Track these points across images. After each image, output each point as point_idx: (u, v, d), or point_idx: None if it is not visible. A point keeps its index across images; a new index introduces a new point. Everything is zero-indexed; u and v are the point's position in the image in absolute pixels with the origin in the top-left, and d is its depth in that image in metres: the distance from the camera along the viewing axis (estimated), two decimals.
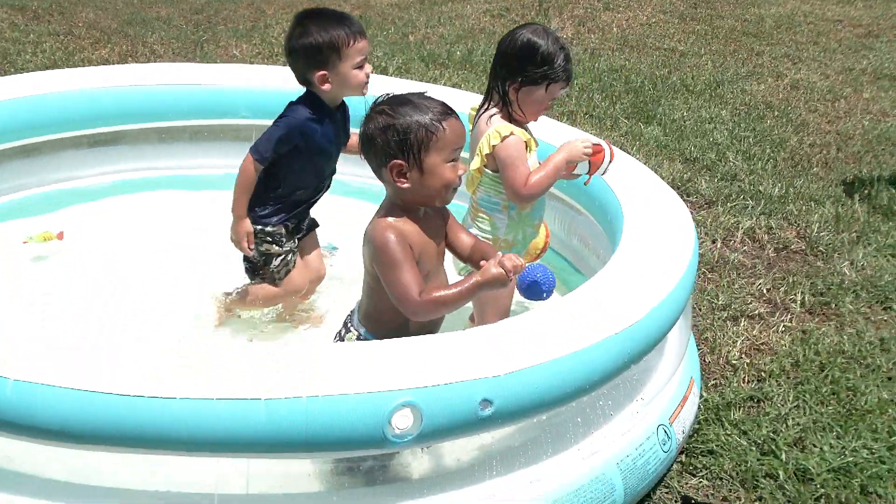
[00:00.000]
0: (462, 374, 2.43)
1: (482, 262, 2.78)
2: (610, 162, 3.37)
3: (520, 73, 3.31)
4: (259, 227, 3.66)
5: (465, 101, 3.85)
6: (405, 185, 2.73)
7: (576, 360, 2.59)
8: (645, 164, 5.77)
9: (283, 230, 3.71)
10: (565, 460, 2.77)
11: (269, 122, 3.57)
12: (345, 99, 3.64)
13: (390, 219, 2.77)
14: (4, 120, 4.54)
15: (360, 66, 3.49)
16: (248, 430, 2.31)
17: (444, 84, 6.96)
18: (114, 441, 2.35)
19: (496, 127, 3.30)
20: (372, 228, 2.78)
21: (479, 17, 9.62)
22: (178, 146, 5.05)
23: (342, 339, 2.98)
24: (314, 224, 3.92)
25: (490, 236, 3.44)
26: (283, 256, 3.74)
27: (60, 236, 4.35)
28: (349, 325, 2.99)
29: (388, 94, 2.80)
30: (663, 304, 2.92)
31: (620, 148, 5.98)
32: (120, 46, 7.65)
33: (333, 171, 3.77)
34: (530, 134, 3.43)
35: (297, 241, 3.80)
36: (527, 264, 3.64)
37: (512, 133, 3.29)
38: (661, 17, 10.27)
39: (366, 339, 2.89)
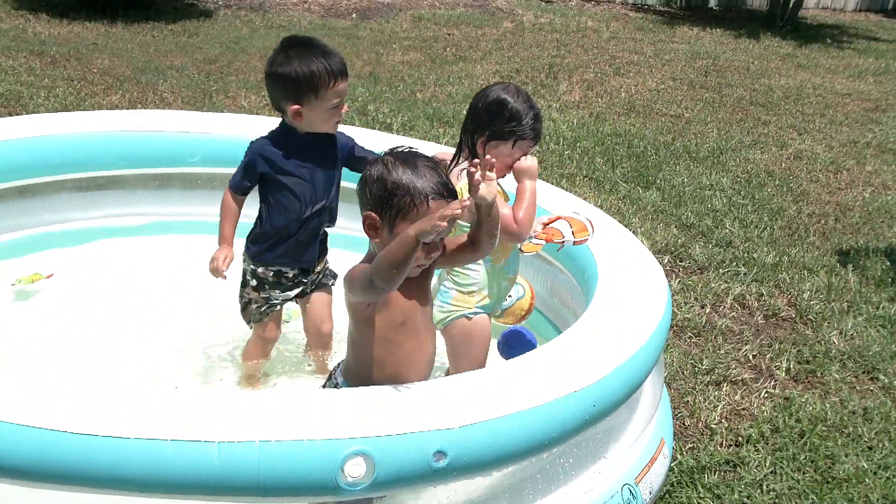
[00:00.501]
0: (417, 425, 2.41)
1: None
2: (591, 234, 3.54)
3: (488, 127, 3.36)
4: (252, 266, 3.66)
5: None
6: (374, 239, 2.69)
7: (536, 414, 2.57)
8: (640, 228, 5.82)
9: (275, 277, 3.67)
10: None
11: None
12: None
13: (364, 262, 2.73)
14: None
15: (337, 108, 3.49)
16: (201, 474, 2.31)
17: (446, 143, 7.02)
18: (70, 480, 2.35)
19: (461, 185, 3.33)
20: (348, 271, 2.73)
21: (489, 78, 9.72)
22: (172, 193, 5.10)
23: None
24: (328, 279, 3.85)
25: (465, 290, 3.45)
26: (259, 305, 3.72)
27: (49, 277, 4.39)
28: (333, 374, 2.99)
29: (407, 148, 2.77)
30: (631, 360, 2.91)
31: (617, 212, 6.04)
32: (131, 93, 7.77)
33: (329, 203, 3.67)
34: (501, 188, 3.46)
35: (296, 291, 3.74)
36: (510, 326, 3.66)
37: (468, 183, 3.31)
38: (671, 83, 10.36)
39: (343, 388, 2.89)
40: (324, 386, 2.98)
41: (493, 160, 2.66)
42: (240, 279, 3.73)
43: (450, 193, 2.65)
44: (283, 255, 3.64)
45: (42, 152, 4.70)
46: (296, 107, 3.45)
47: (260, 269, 3.66)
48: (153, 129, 4.97)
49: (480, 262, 3.43)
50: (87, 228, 4.90)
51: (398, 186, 2.61)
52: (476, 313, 3.46)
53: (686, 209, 6.34)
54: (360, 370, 2.79)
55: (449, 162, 3.50)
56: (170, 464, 2.30)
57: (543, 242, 3.51)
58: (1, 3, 10.59)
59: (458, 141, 3.54)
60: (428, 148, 4.35)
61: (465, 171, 3.26)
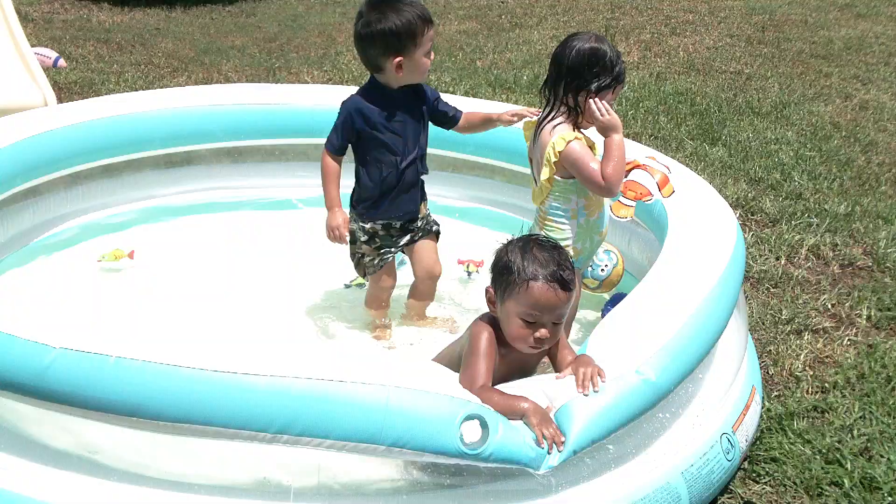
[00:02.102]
0: None
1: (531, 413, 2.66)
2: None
3: (593, 80, 3.39)
4: (361, 224, 3.80)
5: None
6: (492, 312, 2.93)
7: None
8: (710, 183, 5.81)
9: (384, 229, 3.82)
10: (631, 471, 2.81)
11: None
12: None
13: (490, 321, 2.92)
14: (86, 140, 4.73)
15: (429, 54, 3.63)
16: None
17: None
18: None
19: (560, 134, 3.41)
20: (476, 319, 2.98)
21: (546, 43, 9.72)
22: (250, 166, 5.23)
23: None
24: (432, 225, 3.99)
25: (562, 242, 3.51)
26: (372, 258, 3.86)
27: (132, 255, 4.53)
28: None
29: (537, 235, 3.10)
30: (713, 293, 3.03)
31: (686, 167, 6.04)
32: (196, 74, 7.91)
33: (421, 152, 3.80)
34: (591, 140, 3.53)
35: (405, 239, 3.89)
36: (612, 294, 3.73)
37: (575, 137, 3.39)
38: (728, 40, 10.27)
39: None
40: None
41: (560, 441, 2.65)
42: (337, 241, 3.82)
43: (554, 279, 2.79)
44: (388, 208, 3.79)
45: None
46: (398, 59, 3.57)
47: (369, 225, 3.79)
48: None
49: (574, 215, 3.50)
50: (168, 205, 5.05)
51: (507, 268, 2.84)
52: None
53: (753, 164, 6.32)
54: None
55: (537, 121, 3.55)
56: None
57: (633, 204, 3.55)
58: None
59: (544, 98, 3.56)
60: (500, 107, 4.43)
61: (558, 133, 3.36)
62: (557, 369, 2.93)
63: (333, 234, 3.72)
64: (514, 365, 2.94)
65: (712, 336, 3.10)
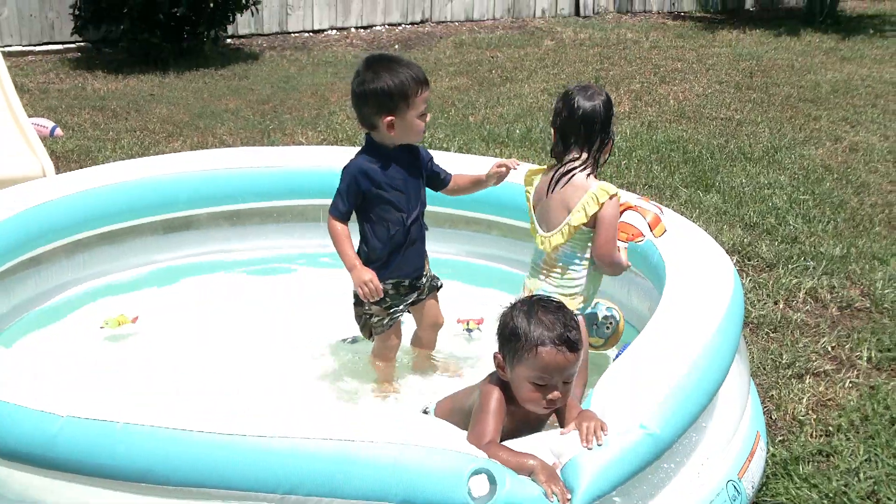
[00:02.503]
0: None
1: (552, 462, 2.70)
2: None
3: (608, 131, 3.57)
4: None
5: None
6: (502, 374, 2.94)
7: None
8: (705, 230, 5.85)
9: (394, 288, 3.86)
10: None
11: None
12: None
13: (501, 383, 2.94)
14: (85, 209, 4.77)
15: (423, 115, 3.70)
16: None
17: None
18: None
19: (602, 185, 3.52)
20: (486, 380, 3.01)
21: (537, 96, 9.83)
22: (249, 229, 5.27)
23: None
24: (436, 281, 4.06)
25: (568, 294, 3.56)
26: (381, 318, 3.90)
27: (135, 320, 4.53)
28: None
29: (545, 296, 3.13)
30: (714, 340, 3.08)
31: (680, 217, 6.09)
32: (191, 139, 7.98)
33: (422, 208, 3.88)
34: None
35: (413, 297, 3.95)
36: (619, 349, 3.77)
37: (615, 195, 3.49)
38: (717, 87, 10.39)
39: None
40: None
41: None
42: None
43: (562, 342, 2.82)
44: (398, 266, 3.84)
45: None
46: (390, 118, 3.64)
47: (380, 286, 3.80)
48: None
49: (585, 264, 3.56)
50: (169, 270, 5.08)
51: (515, 332, 2.86)
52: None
53: (748, 209, 6.38)
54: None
55: (554, 168, 3.62)
56: None
57: (626, 245, 3.61)
58: (59, 65, 10.90)
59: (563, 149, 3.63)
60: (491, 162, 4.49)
61: (599, 184, 3.48)
62: (562, 425, 2.94)
63: (367, 289, 3.71)
64: (523, 421, 2.96)
65: (714, 384, 3.12)
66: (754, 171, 7.29)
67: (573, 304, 3.56)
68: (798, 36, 13.59)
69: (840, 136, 8.42)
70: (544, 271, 3.63)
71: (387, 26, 13.69)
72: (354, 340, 4.32)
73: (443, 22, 14.14)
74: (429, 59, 11.72)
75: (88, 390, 2.85)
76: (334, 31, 13.30)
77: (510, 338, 2.88)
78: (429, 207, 3.96)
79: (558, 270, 3.59)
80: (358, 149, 3.87)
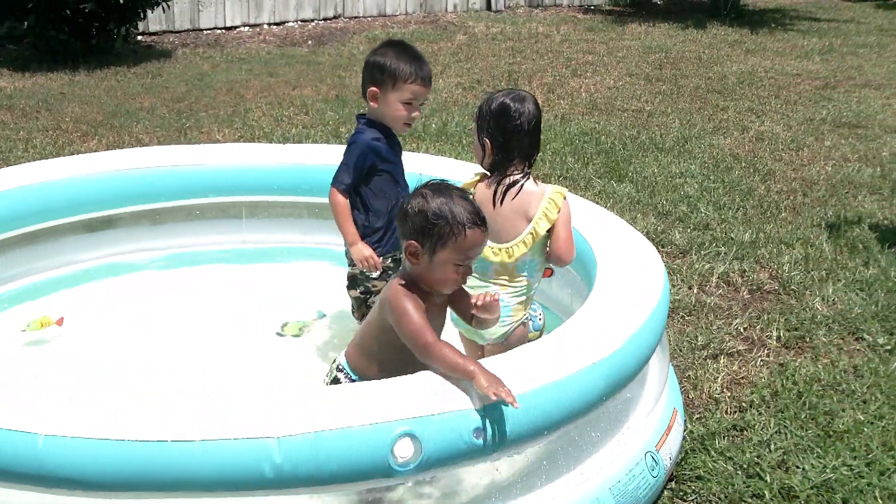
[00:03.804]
0: (457, 405, 2.63)
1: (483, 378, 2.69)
2: None
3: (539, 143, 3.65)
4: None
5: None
6: (414, 265, 2.97)
7: (563, 386, 2.80)
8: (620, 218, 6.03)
9: (394, 262, 3.94)
10: (560, 487, 2.94)
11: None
12: None
13: (402, 283, 2.98)
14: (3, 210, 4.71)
15: (408, 105, 3.80)
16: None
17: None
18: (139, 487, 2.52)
19: (555, 189, 3.57)
20: (388, 287, 3.02)
21: (452, 91, 9.94)
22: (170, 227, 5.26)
23: (334, 382, 3.17)
24: None
25: (524, 299, 3.65)
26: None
27: (60, 322, 4.43)
28: (337, 369, 3.21)
29: (439, 180, 3.05)
30: (640, 331, 3.16)
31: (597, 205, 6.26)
32: (107, 138, 7.89)
33: (408, 185, 3.96)
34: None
35: None
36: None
37: (566, 194, 3.58)
38: (628, 79, 10.63)
39: (352, 380, 3.11)
40: (329, 382, 3.21)
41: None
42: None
43: (482, 221, 2.94)
44: (395, 242, 3.89)
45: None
46: (373, 89, 3.79)
47: (380, 261, 3.89)
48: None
49: (541, 267, 3.66)
50: (93, 269, 5.02)
51: (438, 216, 2.90)
52: (527, 318, 3.70)
53: (661, 198, 6.57)
54: (371, 371, 3.06)
55: (494, 179, 3.62)
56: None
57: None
58: None
59: (503, 158, 3.61)
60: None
61: (554, 187, 3.54)
62: (462, 309, 3.14)
63: (368, 263, 3.83)
64: (435, 313, 3.05)
65: (648, 351, 3.28)
66: (666, 161, 7.50)
67: (526, 309, 3.66)
68: (704, 29, 13.97)
69: (747, 126, 8.71)
70: (502, 279, 3.61)
71: (299, 22, 13.68)
72: (283, 333, 4.36)
73: (355, 17, 14.18)
74: (342, 55, 11.75)
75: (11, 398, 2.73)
76: (247, 28, 13.25)
77: (432, 222, 2.90)
78: None
79: (520, 279, 3.60)
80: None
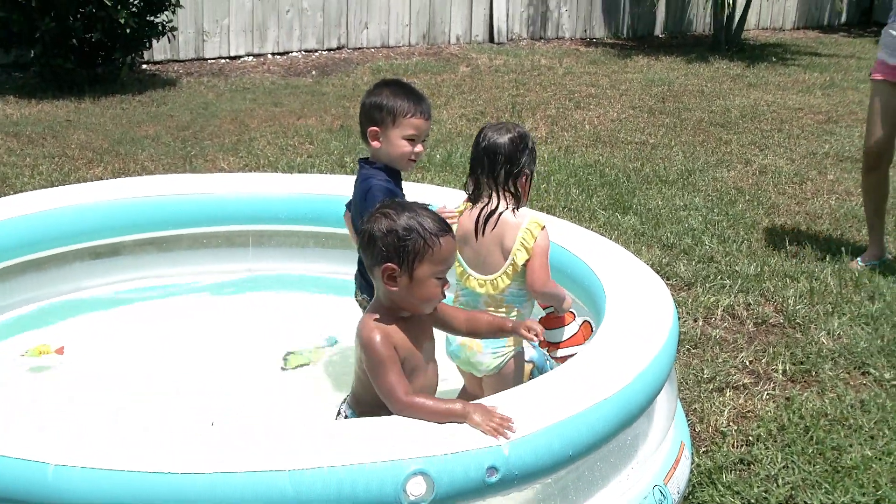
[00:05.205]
0: (470, 443, 2.61)
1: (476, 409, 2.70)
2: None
3: (526, 165, 3.57)
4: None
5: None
6: (393, 289, 2.85)
7: (575, 423, 2.79)
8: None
9: None
10: None
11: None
12: None
13: (376, 317, 2.88)
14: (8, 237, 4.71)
15: (411, 140, 3.72)
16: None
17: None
18: None
19: (535, 218, 3.54)
20: (360, 325, 2.90)
21: (456, 122, 9.98)
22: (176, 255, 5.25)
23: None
24: None
25: None
26: None
27: (60, 351, 4.39)
28: (340, 409, 3.16)
29: (394, 199, 2.99)
30: (651, 365, 3.15)
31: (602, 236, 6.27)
32: (112, 165, 7.91)
33: None
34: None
35: None
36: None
37: (545, 226, 3.55)
38: (631, 112, 10.68)
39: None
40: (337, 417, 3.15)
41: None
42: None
43: (449, 227, 2.90)
44: None
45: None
46: (374, 128, 3.72)
47: None
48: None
49: (528, 297, 3.63)
50: (97, 298, 5.01)
51: (409, 230, 2.81)
52: (521, 348, 3.66)
53: (665, 230, 6.59)
54: (371, 406, 2.91)
55: (474, 207, 3.62)
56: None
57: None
58: None
59: (475, 186, 3.62)
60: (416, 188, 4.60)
61: (532, 217, 3.52)
62: (455, 325, 3.13)
63: None
64: (414, 338, 2.93)
65: (659, 382, 3.27)
66: (670, 194, 7.52)
67: (520, 340, 3.59)
68: (707, 62, 14.06)
69: (750, 159, 8.74)
70: (491, 311, 3.58)
71: (303, 52, 13.75)
72: (287, 367, 4.36)
73: (359, 48, 14.26)
74: (346, 85, 11.80)
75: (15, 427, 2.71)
76: (251, 58, 13.31)
77: (404, 239, 2.80)
78: None
79: (504, 310, 3.58)
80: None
